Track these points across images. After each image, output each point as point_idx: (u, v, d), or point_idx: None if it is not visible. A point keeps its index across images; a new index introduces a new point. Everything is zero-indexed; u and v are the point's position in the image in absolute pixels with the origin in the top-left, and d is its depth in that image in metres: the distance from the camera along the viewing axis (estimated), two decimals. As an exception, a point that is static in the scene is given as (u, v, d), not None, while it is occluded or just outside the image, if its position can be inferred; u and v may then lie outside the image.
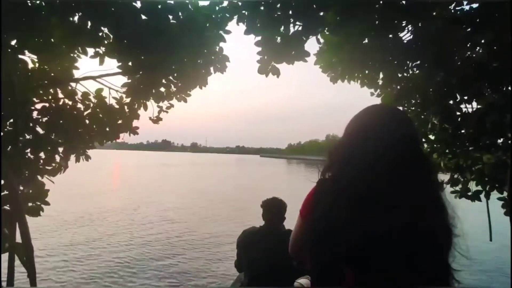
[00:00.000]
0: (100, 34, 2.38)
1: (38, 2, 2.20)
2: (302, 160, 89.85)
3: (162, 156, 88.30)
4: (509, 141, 2.09)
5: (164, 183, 21.28)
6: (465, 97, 2.14)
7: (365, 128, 0.89)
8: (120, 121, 2.72)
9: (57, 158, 2.39)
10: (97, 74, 2.59)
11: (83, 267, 6.03)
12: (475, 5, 1.94)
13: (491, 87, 1.88)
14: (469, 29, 1.78)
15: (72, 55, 2.58)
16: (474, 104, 2.66)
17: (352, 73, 2.78)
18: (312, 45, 2.46)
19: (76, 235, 8.29)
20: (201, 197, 15.20)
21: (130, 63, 2.37)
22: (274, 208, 2.50)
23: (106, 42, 2.36)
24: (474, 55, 1.94)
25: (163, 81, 2.94)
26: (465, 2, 2.29)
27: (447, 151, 3.18)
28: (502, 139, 2.56)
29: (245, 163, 62.76)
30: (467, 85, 1.90)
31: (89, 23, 2.27)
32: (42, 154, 2.37)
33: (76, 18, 2.25)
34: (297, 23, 2.21)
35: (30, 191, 1.98)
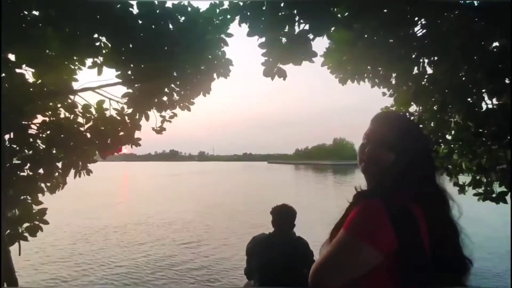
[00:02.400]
0: (98, 43, 2.30)
1: (33, 13, 2.13)
2: (309, 165, 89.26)
3: (170, 166, 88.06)
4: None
5: (172, 195, 20.67)
6: (491, 93, 1.96)
7: (416, 137, 0.99)
8: (122, 133, 2.62)
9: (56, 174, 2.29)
10: (97, 84, 2.50)
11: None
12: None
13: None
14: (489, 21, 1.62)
15: (70, 66, 2.51)
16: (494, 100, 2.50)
17: (363, 72, 2.64)
18: (318, 46, 2.34)
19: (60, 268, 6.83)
20: (210, 210, 14.07)
21: (129, 72, 2.28)
22: (284, 215, 2.49)
23: (104, 51, 2.28)
24: (498, 46, 1.78)
25: (166, 89, 2.85)
26: None
27: (465, 151, 2.99)
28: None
29: (252, 170, 62.41)
30: (495, 77, 1.74)
31: (86, 32, 2.19)
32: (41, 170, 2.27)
33: (72, 28, 2.17)
34: (303, 22, 2.09)
35: (17, 213, 1.86)
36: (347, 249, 0.85)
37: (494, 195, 3.13)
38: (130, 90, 2.51)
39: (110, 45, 2.17)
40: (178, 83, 2.69)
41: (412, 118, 2.81)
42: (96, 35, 2.26)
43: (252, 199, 16.76)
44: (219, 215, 12.47)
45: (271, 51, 2.03)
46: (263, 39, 2.18)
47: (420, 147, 0.97)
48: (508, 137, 2.18)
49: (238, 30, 2.65)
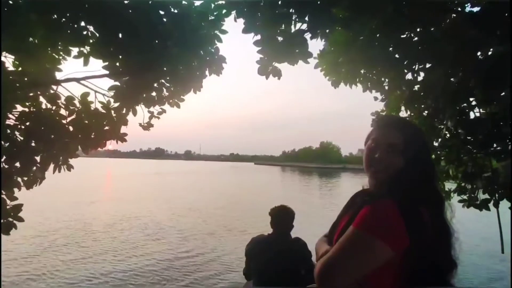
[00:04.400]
0: (85, 32, 2.19)
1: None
2: (296, 167, 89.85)
3: (155, 164, 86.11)
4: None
5: (153, 194, 19.54)
6: (483, 100, 1.99)
7: (424, 143, 1.04)
8: (107, 127, 2.50)
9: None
10: (82, 76, 2.38)
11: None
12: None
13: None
14: (488, 27, 1.63)
15: (54, 55, 2.38)
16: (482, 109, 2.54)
17: (356, 75, 2.63)
18: (311, 48, 2.32)
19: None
20: (187, 213, 12.99)
21: (117, 64, 2.18)
22: (282, 216, 2.52)
23: (91, 41, 2.17)
24: (492, 54, 1.80)
25: (155, 85, 2.75)
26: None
27: (453, 158, 3.04)
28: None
29: (239, 171, 62.03)
30: (487, 86, 1.76)
31: (73, 20, 2.07)
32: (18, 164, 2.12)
33: (57, 15, 2.05)
34: (300, 21, 2.05)
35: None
36: (360, 245, 0.86)
37: (478, 202, 3.20)
38: (118, 83, 2.40)
39: (97, 34, 2.06)
40: (168, 78, 2.59)
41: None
42: (83, 24, 2.15)
43: (233, 201, 16.40)
44: (195, 219, 11.68)
45: (266, 49, 1.98)
46: (259, 37, 2.14)
47: (426, 152, 1.02)
48: (497, 146, 2.21)
49: (230, 31, 2.60)
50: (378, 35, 1.83)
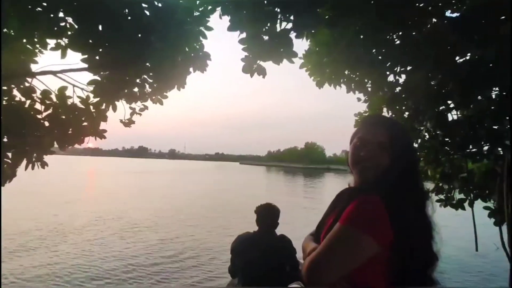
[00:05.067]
0: (63, 23, 2.10)
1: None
2: (281, 167, 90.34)
3: (137, 163, 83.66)
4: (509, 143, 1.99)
5: (132, 194, 18.48)
6: (460, 103, 2.05)
7: (409, 142, 1.08)
8: (85, 123, 2.40)
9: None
10: (59, 69, 2.28)
11: None
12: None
13: (487, 91, 1.80)
14: (467, 32, 1.68)
15: (29, 47, 2.27)
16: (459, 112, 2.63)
17: (340, 76, 2.66)
18: (297, 49, 2.32)
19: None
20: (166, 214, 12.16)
21: (97, 58, 2.10)
22: (268, 214, 2.55)
23: (69, 32, 2.08)
24: (470, 58, 1.87)
25: (137, 80, 2.67)
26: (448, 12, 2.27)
27: (431, 159, 3.14)
28: (489, 147, 2.52)
29: (223, 170, 61.56)
30: (465, 89, 1.81)
31: (50, 11, 1.98)
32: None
33: (33, 5, 1.95)
34: (285, 20, 2.05)
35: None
36: (347, 240, 0.87)
37: (454, 202, 3.32)
38: (98, 78, 2.32)
39: (76, 26, 1.97)
40: (151, 74, 2.53)
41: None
42: (61, 15, 2.06)
43: (215, 201, 15.97)
44: (175, 221, 11.00)
45: (251, 47, 1.97)
46: (244, 35, 2.12)
47: (411, 150, 1.07)
48: (474, 148, 2.30)
49: (218, 28, 2.56)
50: (361, 37, 1.85)
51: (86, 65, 2.17)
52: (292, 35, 2.09)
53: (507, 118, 2.11)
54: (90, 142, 2.57)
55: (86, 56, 2.00)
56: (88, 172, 41.14)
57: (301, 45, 2.79)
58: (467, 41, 1.82)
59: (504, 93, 1.86)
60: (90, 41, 1.89)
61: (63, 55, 2.12)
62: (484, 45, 1.64)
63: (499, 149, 2.31)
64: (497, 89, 2.03)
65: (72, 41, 2.01)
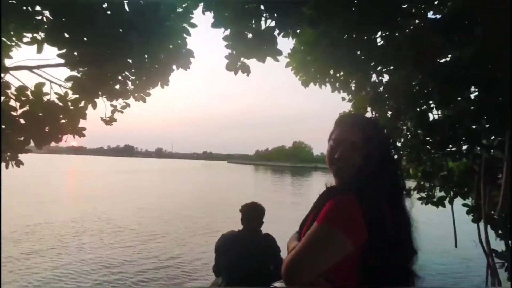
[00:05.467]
0: (39, 17, 2.01)
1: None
2: (269, 166, 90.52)
3: (122, 162, 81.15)
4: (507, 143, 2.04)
5: (114, 194, 17.62)
6: (440, 103, 2.10)
7: (384, 140, 1.08)
8: (63, 121, 2.32)
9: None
10: (36, 64, 2.19)
11: None
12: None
13: (467, 92, 1.85)
14: (446, 33, 1.72)
15: (5, 40, 2.17)
16: (439, 112, 2.70)
17: (325, 75, 2.67)
18: (283, 48, 2.32)
19: None
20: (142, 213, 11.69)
21: (75, 53, 2.02)
22: (253, 213, 2.55)
23: (46, 26, 1.99)
24: (451, 59, 1.91)
25: (119, 77, 2.60)
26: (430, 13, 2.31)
27: (414, 158, 3.20)
28: (467, 146, 2.59)
29: (211, 169, 61.01)
30: (444, 89, 1.85)
31: (26, 3, 1.90)
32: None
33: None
34: (270, 18, 2.04)
35: None
36: (323, 239, 0.89)
37: (435, 200, 3.41)
38: (76, 74, 2.24)
39: (52, 19, 1.89)
40: (133, 71, 2.46)
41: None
42: (38, 8, 1.98)
43: (201, 201, 15.58)
44: (158, 221, 10.52)
45: (234, 44, 1.94)
46: (228, 32, 2.09)
47: (386, 148, 1.06)
48: (454, 147, 2.35)
49: (206, 28, 2.53)
50: (344, 37, 1.86)
51: (63, 61, 2.10)
52: (277, 33, 2.08)
53: (485, 118, 2.18)
54: (73, 140, 2.50)
55: (63, 51, 1.92)
56: (69, 171, 39.69)
57: (287, 44, 2.80)
58: (447, 42, 1.85)
59: (483, 94, 1.91)
60: (67, 35, 1.81)
61: (39, 49, 2.04)
62: (463, 46, 1.68)
63: (477, 148, 2.37)
64: (475, 89, 2.08)
65: (48, 35, 1.93)
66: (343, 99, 3.12)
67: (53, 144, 2.45)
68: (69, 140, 2.48)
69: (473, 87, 2.00)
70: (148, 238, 8.35)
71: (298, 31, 2.34)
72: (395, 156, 1.11)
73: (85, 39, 1.93)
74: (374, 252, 0.88)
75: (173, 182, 28.52)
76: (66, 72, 2.32)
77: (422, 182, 3.41)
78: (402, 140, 3.16)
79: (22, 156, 2.32)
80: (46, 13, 2.02)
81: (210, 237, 8.35)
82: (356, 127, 1.04)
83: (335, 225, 0.88)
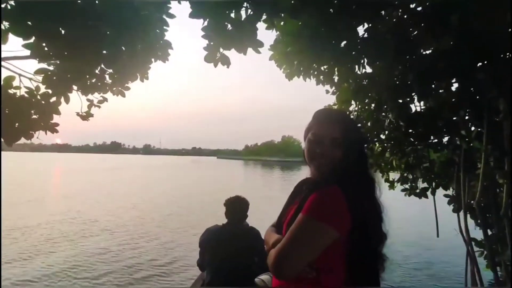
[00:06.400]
0: (3, 5, 1.88)
1: None
2: (258, 161, 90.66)
3: (107, 159, 78.90)
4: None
5: (96, 192, 16.79)
6: (420, 95, 2.10)
7: (359, 135, 1.17)
8: (34, 117, 2.20)
9: None
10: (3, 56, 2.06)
11: None
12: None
13: (446, 84, 1.85)
14: (427, 25, 1.70)
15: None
16: (422, 103, 2.71)
17: (309, 69, 2.63)
18: (268, 41, 2.26)
19: None
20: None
21: (43, 45, 1.91)
22: (237, 207, 2.56)
23: (8, 14, 1.87)
24: (431, 50, 1.90)
25: (96, 71, 2.49)
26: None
27: (398, 150, 3.23)
28: (448, 138, 2.62)
29: (200, 165, 60.47)
30: (424, 81, 1.85)
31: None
32: None
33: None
34: (250, 9, 1.98)
35: None
36: (311, 231, 0.92)
37: (418, 191, 3.46)
38: (46, 66, 2.12)
39: (17, 7, 1.77)
40: (108, 63, 2.36)
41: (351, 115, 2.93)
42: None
43: (186, 200, 15.01)
44: (138, 221, 10.01)
45: (213, 34, 1.88)
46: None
47: (361, 143, 1.15)
48: (435, 139, 2.37)
49: (190, 21, 2.43)
50: (323, 29, 1.82)
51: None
52: (261, 25, 2.03)
53: (467, 110, 2.20)
54: (57, 137, 2.37)
55: (28, 41, 1.80)
56: (52, 170, 38.34)
57: (271, 36, 2.74)
58: (428, 33, 1.85)
59: (462, 85, 1.92)
60: (30, 23, 1.70)
61: (4, 40, 1.91)
62: (442, 36, 1.67)
63: (457, 139, 2.40)
64: (455, 81, 2.09)
65: (13, 24, 1.81)
66: (327, 91, 3.11)
67: (37, 142, 2.33)
68: (52, 137, 2.36)
69: (453, 79, 2.01)
70: (124, 238, 7.99)
71: (282, 23, 2.30)
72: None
73: (52, 29, 1.82)
74: (357, 239, 0.94)
75: (159, 179, 27.55)
76: (37, 64, 2.20)
77: (405, 174, 3.45)
78: (386, 132, 3.18)
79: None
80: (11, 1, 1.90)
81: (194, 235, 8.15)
82: (336, 122, 1.08)
83: (321, 216, 0.92)
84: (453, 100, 1.99)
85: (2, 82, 2.17)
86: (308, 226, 0.92)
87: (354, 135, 1.08)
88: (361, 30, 2.30)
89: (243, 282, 2.34)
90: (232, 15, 2.00)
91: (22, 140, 2.30)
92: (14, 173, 24.71)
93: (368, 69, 2.57)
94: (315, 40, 1.85)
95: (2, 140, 2.19)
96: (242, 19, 2.02)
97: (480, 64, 1.90)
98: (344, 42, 1.92)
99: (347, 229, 0.93)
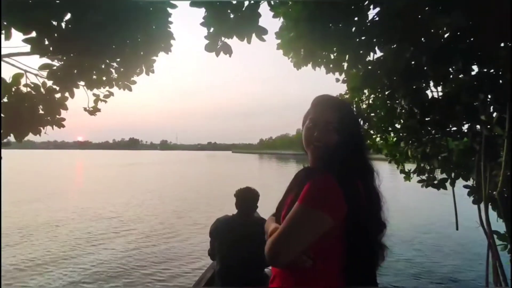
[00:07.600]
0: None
1: None
2: (273, 155, 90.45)
3: (126, 155, 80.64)
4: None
5: (113, 188, 17.29)
6: (435, 78, 1.95)
7: (356, 121, 1.15)
8: (41, 112, 2.23)
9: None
10: (8, 52, 2.08)
11: None
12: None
13: (463, 67, 1.70)
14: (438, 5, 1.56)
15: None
16: (440, 89, 2.54)
17: (317, 57, 2.52)
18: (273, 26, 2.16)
19: None
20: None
21: (45, 39, 1.90)
22: (247, 197, 2.58)
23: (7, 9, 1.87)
24: (443, 31, 1.75)
25: (102, 66, 2.49)
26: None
27: (413, 139, 3.06)
28: (468, 125, 2.45)
29: (215, 160, 60.95)
30: (439, 62, 1.71)
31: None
32: None
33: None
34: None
35: None
36: (305, 219, 0.92)
37: (436, 182, 3.28)
38: (51, 61, 2.13)
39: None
40: (112, 57, 2.34)
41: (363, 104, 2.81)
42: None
43: (200, 193, 15.35)
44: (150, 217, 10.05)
45: (212, 21, 1.81)
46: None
47: (357, 127, 1.12)
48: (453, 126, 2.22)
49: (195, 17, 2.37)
50: (320, 10, 1.71)
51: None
52: (264, 12, 1.94)
53: (487, 93, 2.03)
54: (79, 135, 2.41)
55: (29, 35, 1.80)
56: (78, 166, 39.98)
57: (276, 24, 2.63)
58: (441, 13, 1.70)
59: (480, 66, 1.76)
60: (25, 19, 1.69)
61: (7, 36, 1.92)
62: (458, 17, 1.52)
63: (477, 126, 2.24)
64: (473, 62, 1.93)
65: (10, 19, 1.81)
66: (337, 80, 2.98)
67: (60, 139, 2.36)
68: (74, 135, 2.39)
69: (472, 59, 1.85)
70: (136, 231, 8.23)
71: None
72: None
73: (54, 23, 1.81)
74: (352, 226, 0.94)
75: (175, 174, 28.31)
76: (42, 60, 2.22)
77: (422, 164, 3.28)
78: (402, 121, 3.02)
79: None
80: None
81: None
82: (332, 108, 1.08)
83: (316, 204, 0.92)
84: (470, 83, 1.83)
85: (11, 79, 2.20)
86: (301, 214, 0.93)
87: (349, 120, 1.08)
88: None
89: (253, 271, 2.37)
90: (234, 1, 1.93)
91: (45, 138, 2.34)
92: (50, 168, 25.40)
93: (379, 54, 2.45)
94: (314, 24, 1.75)
95: (12, 136, 2.24)
96: (244, 7, 1.95)
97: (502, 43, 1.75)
98: (353, 28, 1.79)
99: (342, 216, 0.93)
